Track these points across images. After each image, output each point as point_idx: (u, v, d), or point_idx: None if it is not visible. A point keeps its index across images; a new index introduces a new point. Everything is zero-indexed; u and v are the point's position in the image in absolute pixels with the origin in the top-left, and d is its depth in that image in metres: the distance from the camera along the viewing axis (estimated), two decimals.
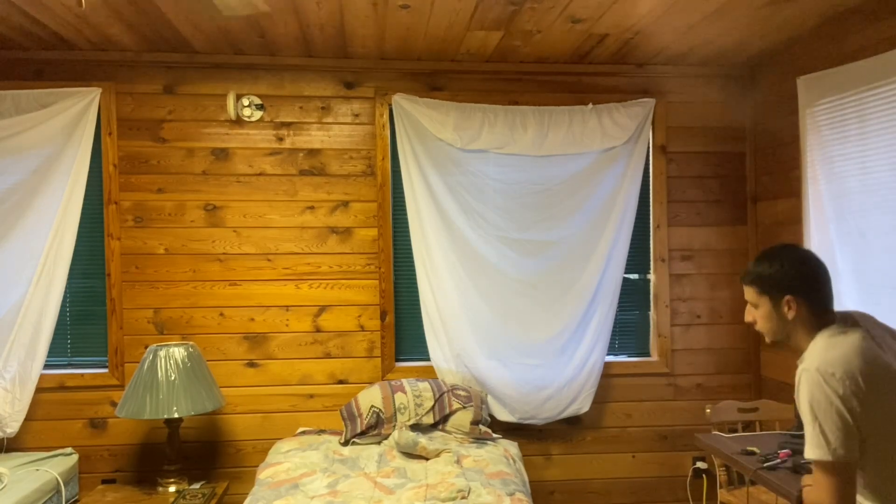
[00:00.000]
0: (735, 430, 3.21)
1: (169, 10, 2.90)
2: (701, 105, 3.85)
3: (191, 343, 3.29)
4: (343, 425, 3.32)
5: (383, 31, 3.19)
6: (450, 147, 3.60)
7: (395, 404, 3.30)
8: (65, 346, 3.57)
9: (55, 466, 3.22)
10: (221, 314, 3.60)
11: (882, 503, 1.76)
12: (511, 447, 3.28)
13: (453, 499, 2.57)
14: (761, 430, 3.30)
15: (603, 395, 3.75)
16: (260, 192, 3.62)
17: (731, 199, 3.88)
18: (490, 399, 3.61)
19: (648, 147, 3.80)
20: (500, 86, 3.73)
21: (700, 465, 3.79)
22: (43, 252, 3.39)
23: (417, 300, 3.65)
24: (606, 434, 3.81)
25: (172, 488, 3.22)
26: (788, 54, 3.47)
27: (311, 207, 3.65)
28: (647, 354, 3.89)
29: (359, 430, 3.26)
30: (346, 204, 3.67)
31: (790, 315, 1.87)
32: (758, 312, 1.95)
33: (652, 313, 3.87)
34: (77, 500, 3.38)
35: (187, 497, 3.12)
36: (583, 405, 3.66)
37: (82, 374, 3.53)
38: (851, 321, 1.85)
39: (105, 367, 3.56)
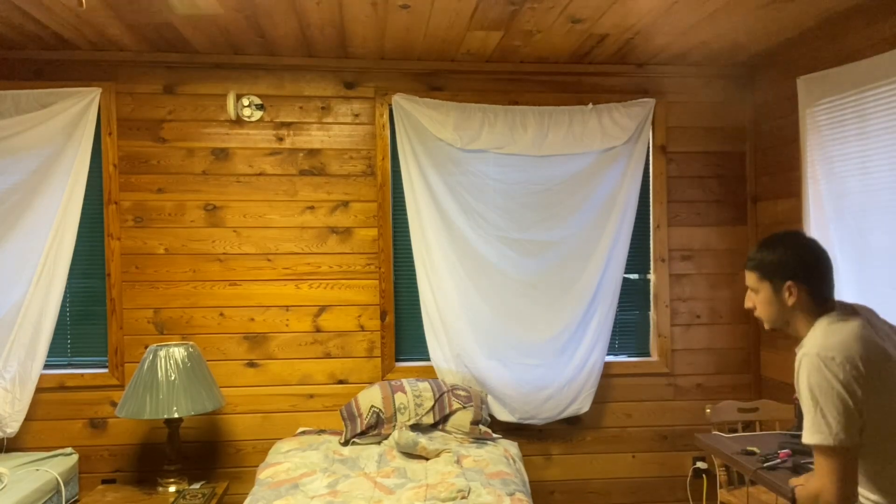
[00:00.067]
0: (735, 430, 3.21)
1: (169, 10, 2.89)
2: (701, 105, 3.85)
3: (191, 343, 3.29)
4: (343, 425, 3.32)
5: (383, 31, 3.19)
6: (450, 147, 3.60)
7: (395, 404, 3.30)
8: (65, 346, 3.57)
9: (55, 466, 3.22)
10: (221, 314, 3.60)
11: (882, 494, 1.76)
12: (511, 447, 3.28)
13: (453, 499, 2.57)
14: (761, 430, 3.30)
15: (603, 395, 3.75)
16: (260, 192, 3.62)
17: (731, 199, 3.88)
18: (490, 399, 3.61)
19: (648, 147, 3.80)
20: (500, 86, 3.73)
21: (700, 465, 3.80)
22: (43, 252, 3.39)
23: (417, 300, 3.65)
24: (606, 434, 3.81)
25: (172, 488, 3.22)
26: (788, 54, 3.47)
27: (311, 207, 3.65)
28: (647, 354, 3.89)
29: (359, 430, 3.26)
30: (346, 204, 3.67)
31: (790, 301, 1.87)
32: (758, 298, 1.95)
33: (652, 313, 3.87)
34: (77, 500, 3.38)
35: (187, 497, 3.12)
36: (583, 405, 3.67)
37: (82, 374, 3.53)
38: (851, 310, 1.86)
39: (105, 367, 3.56)
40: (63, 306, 3.49)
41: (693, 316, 3.86)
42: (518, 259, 3.64)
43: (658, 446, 3.84)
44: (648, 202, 3.83)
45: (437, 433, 3.28)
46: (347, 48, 3.46)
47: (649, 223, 3.85)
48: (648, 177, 3.82)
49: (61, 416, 3.52)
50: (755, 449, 2.57)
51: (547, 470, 3.77)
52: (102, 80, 3.51)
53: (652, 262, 3.85)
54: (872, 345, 1.75)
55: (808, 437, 1.73)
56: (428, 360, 3.65)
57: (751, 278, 1.97)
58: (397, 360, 3.74)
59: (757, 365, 3.88)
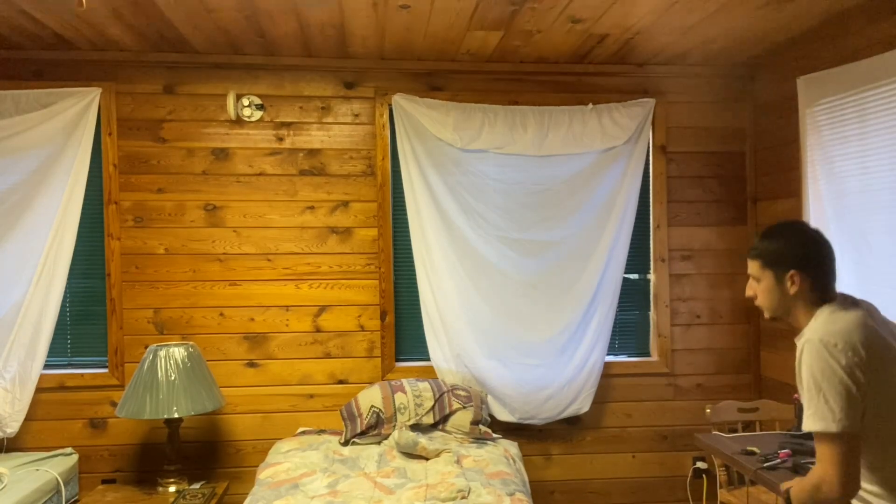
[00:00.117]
0: (735, 430, 3.21)
1: (169, 10, 2.90)
2: (701, 105, 3.85)
3: (191, 343, 3.29)
4: (343, 425, 3.32)
5: (383, 31, 3.19)
6: (450, 147, 3.60)
7: (395, 404, 3.30)
8: (65, 346, 3.57)
9: (55, 466, 3.22)
10: (221, 314, 3.60)
11: (882, 485, 1.75)
12: (511, 447, 3.28)
13: (453, 499, 2.57)
14: (761, 430, 3.30)
15: (603, 395, 3.75)
16: (260, 192, 3.62)
17: (730, 199, 3.88)
18: (490, 399, 3.61)
19: (648, 147, 3.80)
20: (500, 86, 3.73)
21: (700, 465, 3.79)
22: (43, 252, 3.39)
23: (417, 300, 3.65)
24: (606, 434, 3.81)
25: (172, 488, 3.22)
26: (788, 54, 3.47)
27: (311, 207, 3.65)
28: (647, 354, 3.89)
29: (359, 430, 3.26)
30: (346, 204, 3.67)
31: (793, 290, 1.88)
32: (759, 287, 1.96)
33: (652, 313, 3.87)
34: (77, 500, 3.38)
35: (187, 497, 3.12)
36: (583, 405, 3.66)
37: (82, 374, 3.53)
38: (852, 301, 1.87)
39: (105, 367, 3.56)
40: (63, 306, 3.49)
41: (693, 316, 3.86)
42: (518, 259, 3.64)
43: (658, 446, 3.84)
44: (648, 202, 3.83)
45: (437, 433, 3.28)
46: (347, 48, 3.46)
47: (649, 223, 3.85)
48: (648, 177, 3.82)
49: (61, 416, 3.52)
50: (755, 449, 2.57)
51: (547, 470, 3.77)
52: (102, 80, 3.50)
53: (652, 262, 3.85)
54: (874, 333, 1.76)
55: (811, 424, 1.71)
56: (428, 360, 3.65)
57: (753, 267, 1.97)
58: (397, 360, 3.74)
59: (757, 365, 3.88)
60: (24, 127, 3.36)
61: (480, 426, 3.34)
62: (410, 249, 3.65)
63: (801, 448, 2.46)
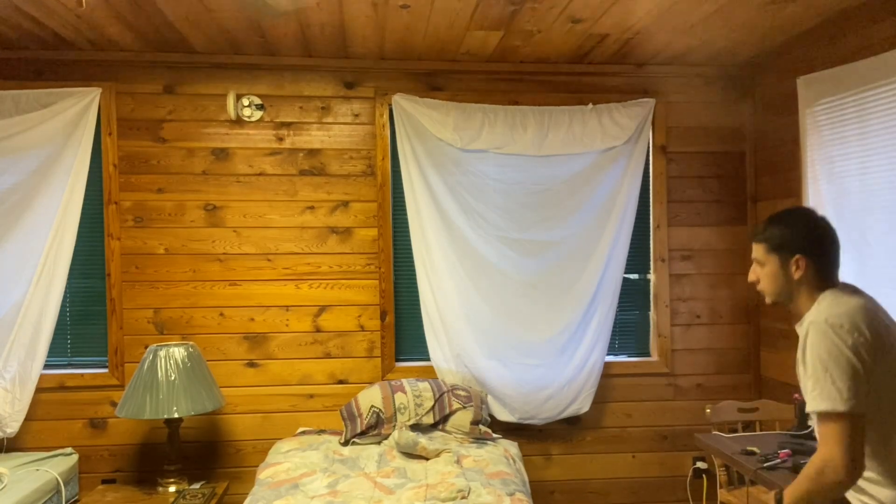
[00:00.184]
0: (735, 430, 3.21)
1: (169, 10, 2.90)
2: (701, 105, 3.85)
3: (191, 343, 3.29)
4: (343, 425, 3.32)
5: (383, 31, 3.19)
6: (450, 147, 3.60)
7: (395, 404, 3.30)
8: (65, 346, 3.57)
9: (55, 466, 3.22)
10: (221, 314, 3.60)
11: (881, 470, 1.74)
12: (511, 447, 3.28)
13: (453, 499, 2.57)
14: (761, 430, 3.30)
15: (603, 395, 3.75)
16: (260, 192, 3.62)
17: (730, 199, 3.88)
18: (490, 399, 3.61)
19: (648, 147, 3.80)
20: (500, 86, 3.73)
21: (700, 465, 3.79)
22: (43, 252, 3.39)
23: (417, 300, 3.65)
24: (606, 434, 3.81)
25: (172, 488, 3.22)
26: (788, 54, 3.47)
27: (311, 207, 3.65)
28: (647, 354, 3.89)
29: (359, 430, 3.26)
30: (346, 204, 3.67)
31: (797, 275, 1.88)
32: (763, 271, 1.96)
33: (652, 313, 3.87)
34: (77, 500, 3.38)
35: (187, 497, 3.12)
36: (583, 405, 3.67)
37: (82, 374, 3.53)
38: (854, 289, 1.88)
39: (105, 367, 3.56)
40: (63, 306, 3.49)
41: (693, 316, 3.86)
42: (518, 259, 3.64)
43: (658, 446, 3.84)
44: (648, 202, 3.83)
45: (437, 433, 3.28)
46: (347, 48, 3.46)
47: (649, 223, 3.85)
48: (648, 177, 3.82)
49: (61, 416, 3.52)
50: (755, 449, 2.57)
51: (547, 470, 3.77)
52: (102, 80, 3.51)
53: (652, 262, 3.85)
54: (876, 316, 1.77)
55: (817, 404, 1.69)
56: (428, 360, 3.65)
57: (758, 251, 1.97)
58: (397, 360, 3.74)
59: (757, 365, 3.88)
60: (24, 127, 3.36)
61: (480, 426, 3.34)
62: (410, 249, 3.65)
63: (801, 448, 2.46)
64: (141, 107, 3.55)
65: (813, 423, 1.90)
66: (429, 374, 3.64)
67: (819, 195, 3.14)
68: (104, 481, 3.47)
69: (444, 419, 3.32)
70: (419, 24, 3.09)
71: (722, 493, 3.17)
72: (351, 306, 3.67)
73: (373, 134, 3.68)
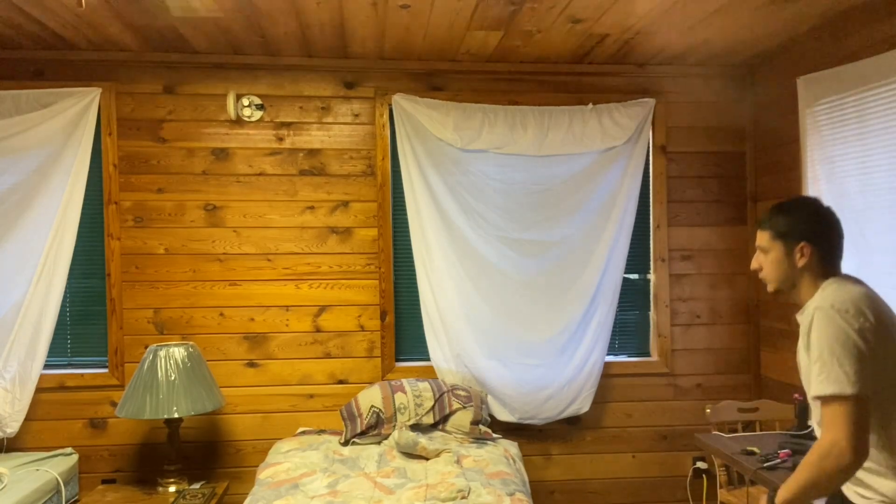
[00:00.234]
0: (735, 430, 3.21)
1: (165, 11, 2.89)
2: (701, 105, 3.85)
3: (191, 343, 3.29)
4: (343, 425, 3.32)
5: (383, 31, 3.19)
6: (450, 147, 3.60)
7: (395, 404, 3.30)
8: (65, 346, 3.57)
9: (55, 466, 3.22)
10: (221, 314, 3.60)
11: (878, 459, 1.73)
12: (511, 447, 3.28)
13: (453, 499, 2.57)
14: (761, 430, 3.30)
15: (603, 395, 3.75)
16: (260, 192, 3.62)
17: (731, 199, 3.88)
18: (490, 399, 3.61)
19: (648, 147, 3.80)
20: (500, 86, 3.73)
21: (700, 465, 3.80)
22: (43, 252, 3.39)
23: (417, 300, 3.65)
24: (606, 434, 3.81)
25: (172, 488, 3.22)
26: (788, 54, 3.47)
27: (311, 207, 3.65)
28: (647, 354, 3.89)
29: (359, 430, 3.26)
30: (346, 204, 3.67)
31: (801, 262, 1.88)
32: (767, 258, 1.96)
33: (652, 313, 3.87)
34: (77, 500, 3.38)
35: (187, 497, 3.12)
36: (583, 405, 3.67)
37: (82, 374, 3.53)
38: (855, 279, 1.89)
39: (105, 367, 3.56)
40: (63, 306, 3.49)
41: (693, 316, 3.86)
42: (518, 259, 3.64)
43: (658, 446, 3.84)
44: (648, 202, 3.83)
45: (437, 433, 3.28)
46: (347, 48, 3.46)
47: (649, 223, 3.85)
48: (648, 177, 3.82)
49: (61, 416, 3.52)
50: (755, 449, 2.57)
51: (547, 470, 3.77)
52: (102, 80, 3.51)
53: (652, 262, 3.85)
54: (879, 303, 1.78)
55: (824, 387, 1.68)
56: (428, 360, 3.65)
57: (763, 237, 1.97)
58: (397, 360, 3.74)
59: (757, 365, 3.88)
60: (24, 127, 3.36)
61: (480, 426, 3.34)
62: (410, 249, 3.65)
63: (801, 448, 2.46)
64: (141, 107, 3.55)
65: (814, 411, 1.88)
66: (429, 374, 3.64)
67: (819, 195, 3.13)
68: (104, 481, 3.47)
69: (444, 419, 3.32)
70: (419, 23, 3.09)
71: (722, 493, 3.17)
72: (351, 306, 3.67)
73: (373, 134, 3.68)
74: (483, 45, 3.41)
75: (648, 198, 3.83)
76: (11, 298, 3.37)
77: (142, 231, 3.56)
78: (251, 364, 3.62)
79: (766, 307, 3.79)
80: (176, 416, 3.07)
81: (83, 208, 3.46)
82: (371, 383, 3.59)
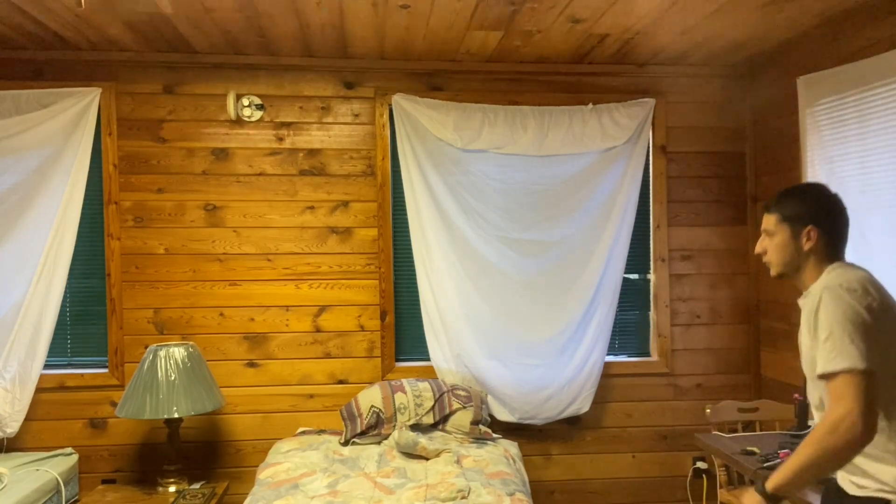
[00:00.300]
0: (735, 430, 3.21)
1: (168, 9, 2.90)
2: (701, 105, 3.85)
3: (191, 343, 3.29)
4: (343, 425, 3.32)
5: (383, 31, 3.19)
6: (450, 147, 3.60)
7: (395, 404, 3.30)
8: (65, 346, 3.57)
9: (55, 466, 3.22)
10: (221, 314, 3.60)
11: (876, 444, 1.71)
12: (511, 447, 3.28)
13: (453, 499, 2.57)
14: (761, 430, 3.30)
15: (603, 395, 3.75)
16: (260, 192, 3.62)
17: (730, 199, 3.88)
18: (490, 399, 3.61)
19: (648, 147, 3.80)
20: (500, 86, 3.73)
21: (700, 465, 3.79)
22: (43, 252, 3.39)
23: (417, 300, 3.65)
24: (606, 434, 3.81)
25: (172, 488, 3.22)
26: (788, 54, 3.47)
27: (311, 207, 3.65)
28: (647, 354, 3.89)
29: (359, 430, 3.26)
30: (346, 204, 3.67)
31: (807, 246, 1.88)
32: (773, 242, 1.96)
33: (652, 313, 3.87)
34: (77, 500, 3.38)
35: (187, 497, 3.12)
36: (583, 405, 3.66)
37: (82, 374, 3.53)
38: (857, 265, 1.89)
39: (105, 367, 3.56)
40: (63, 306, 3.48)
41: (693, 316, 3.86)
42: (518, 259, 3.64)
43: (658, 446, 3.84)
44: (648, 202, 3.83)
45: (437, 433, 3.28)
46: (347, 48, 3.46)
47: (649, 223, 3.85)
48: (648, 177, 3.82)
49: (61, 416, 3.52)
50: (755, 449, 2.57)
51: (547, 470, 3.77)
52: (102, 80, 3.51)
53: (652, 262, 3.85)
54: (882, 288, 1.80)
55: (836, 363, 1.66)
56: (428, 360, 3.65)
57: (769, 221, 1.97)
58: (397, 360, 3.74)
59: (757, 365, 3.88)
60: (24, 127, 3.36)
61: (480, 426, 3.34)
62: (410, 249, 3.65)
63: None
64: (141, 107, 3.55)
65: (813, 394, 1.87)
66: (429, 374, 3.64)
67: None
68: (104, 481, 3.47)
69: (444, 419, 3.32)
70: (419, 24, 3.09)
71: (722, 493, 3.17)
72: (351, 306, 3.67)
73: (373, 134, 3.68)
74: (483, 46, 3.41)
75: (648, 198, 3.83)
76: (11, 298, 3.37)
77: (142, 231, 3.56)
78: (251, 364, 3.62)
79: (766, 307, 3.79)
80: (176, 416, 3.07)
81: (83, 208, 3.46)
82: (371, 383, 3.59)
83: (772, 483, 1.75)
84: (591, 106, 3.69)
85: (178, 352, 3.16)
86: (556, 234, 3.66)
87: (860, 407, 1.61)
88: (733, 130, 3.87)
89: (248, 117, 3.60)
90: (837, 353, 1.67)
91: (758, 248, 2.01)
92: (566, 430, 3.78)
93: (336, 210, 3.66)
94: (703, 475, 3.78)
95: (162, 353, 3.14)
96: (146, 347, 3.29)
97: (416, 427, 3.27)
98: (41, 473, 3.11)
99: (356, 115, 3.67)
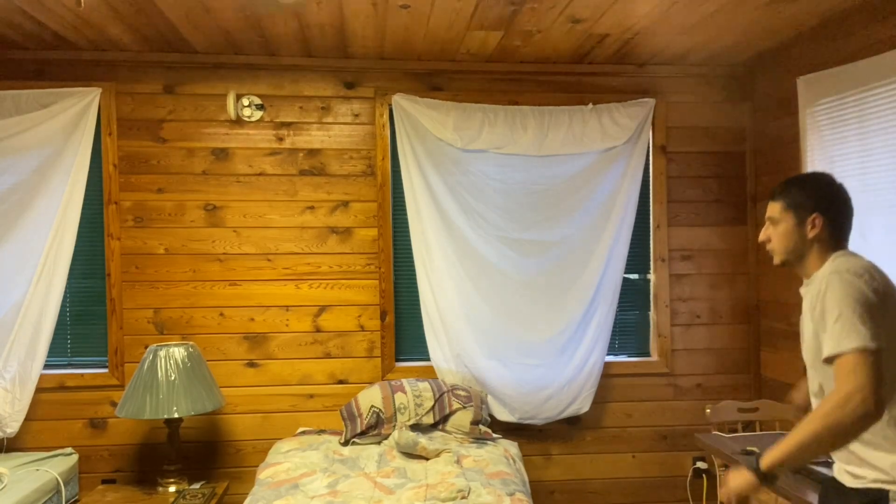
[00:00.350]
0: (735, 430, 3.21)
1: (169, 10, 2.90)
2: (701, 105, 3.85)
3: (191, 343, 3.29)
4: (343, 425, 3.32)
5: (383, 31, 3.19)
6: (450, 147, 3.60)
7: (395, 404, 3.30)
8: (65, 346, 3.57)
9: (55, 466, 3.22)
10: (221, 314, 3.60)
11: (886, 435, 1.71)
12: (511, 447, 3.28)
13: (453, 499, 2.57)
14: (761, 430, 3.30)
15: (603, 395, 3.75)
16: (260, 192, 3.62)
17: (730, 199, 3.88)
18: (490, 399, 3.61)
19: (648, 147, 3.80)
20: (500, 86, 3.73)
21: (700, 465, 3.80)
22: (43, 252, 3.39)
23: (417, 300, 3.65)
24: (606, 434, 3.81)
25: (172, 488, 3.22)
26: (788, 54, 3.47)
27: (311, 207, 3.65)
28: (647, 354, 3.89)
29: (359, 430, 3.26)
30: (346, 204, 3.67)
31: (812, 234, 1.89)
32: (777, 230, 1.96)
33: (652, 313, 3.87)
34: (77, 500, 3.38)
35: (187, 497, 3.12)
36: (583, 405, 3.66)
37: (82, 374, 3.53)
38: (860, 255, 1.89)
39: (105, 367, 3.56)
40: (63, 306, 3.48)
41: (693, 316, 3.86)
42: (518, 259, 3.64)
43: (658, 446, 3.84)
44: (648, 202, 3.83)
45: (437, 433, 3.28)
46: (347, 48, 3.46)
47: (649, 223, 3.85)
48: (648, 177, 3.82)
49: (61, 416, 3.51)
50: (755, 449, 2.57)
51: (547, 470, 3.77)
52: (102, 80, 3.51)
53: (652, 262, 3.85)
54: (886, 276, 1.80)
55: (846, 343, 1.65)
56: (428, 360, 3.65)
57: (774, 208, 1.97)
58: (397, 360, 3.74)
59: (757, 365, 3.88)
60: (24, 127, 3.36)
61: (480, 426, 3.34)
62: (410, 249, 3.65)
63: None
64: (141, 107, 3.55)
65: (813, 381, 1.87)
66: (429, 374, 3.64)
67: None
68: (104, 481, 3.47)
69: (444, 419, 3.32)
70: (419, 24, 3.09)
71: (722, 493, 3.16)
72: (351, 306, 3.67)
73: (373, 134, 3.68)
74: (483, 45, 3.41)
75: (648, 198, 3.83)
76: (11, 298, 3.37)
77: (142, 231, 3.56)
78: (251, 364, 3.62)
79: (767, 307, 3.79)
80: (176, 416, 3.07)
81: (83, 208, 3.46)
82: (371, 383, 3.59)
83: (768, 460, 1.74)
84: (591, 106, 3.69)
85: (178, 352, 3.16)
86: (556, 234, 3.66)
87: (872, 383, 1.61)
88: (733, 130, 3.87)
89: (248, 117, 3.60)
90: (847, 333, 1.67)
91: (762, 236, 2.01)
92: (566, 430, 3.78)
93: (336, 210, 3.66)
94: (703, 475, 3.79)
95: (162, 353, 3.14)
96: (146, 347, 3.29)
97: (416, 427, 3.27)
98: (41, 473, 3.11)
99: (356, 115, 3.67)
